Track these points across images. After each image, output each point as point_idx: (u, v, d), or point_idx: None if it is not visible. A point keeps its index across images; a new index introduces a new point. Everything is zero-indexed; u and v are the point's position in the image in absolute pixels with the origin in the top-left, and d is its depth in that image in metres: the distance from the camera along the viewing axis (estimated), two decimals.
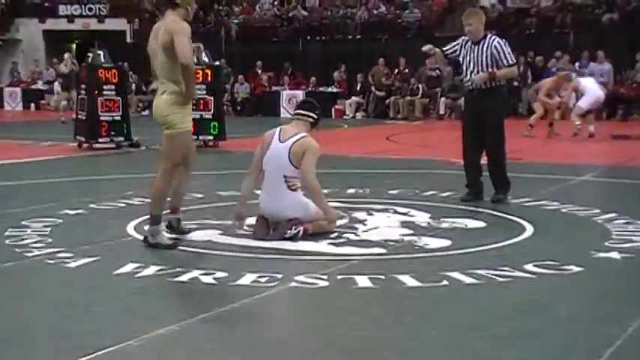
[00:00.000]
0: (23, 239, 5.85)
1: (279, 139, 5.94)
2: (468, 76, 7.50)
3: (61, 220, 6.61)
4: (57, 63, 22.75)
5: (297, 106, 6.35)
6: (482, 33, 7.48)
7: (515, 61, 7.55)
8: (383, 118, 20.98)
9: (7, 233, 6.04)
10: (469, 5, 24.60)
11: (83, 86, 13.32)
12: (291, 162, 5.85)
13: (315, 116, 6.11)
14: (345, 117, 21.67)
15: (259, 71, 23.73)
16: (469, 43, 7.49)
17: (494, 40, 7.43)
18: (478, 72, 7.38)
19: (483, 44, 7.40)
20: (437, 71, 21.34)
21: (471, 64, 7.43)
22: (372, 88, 21.91)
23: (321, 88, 23.12)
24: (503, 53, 7.34)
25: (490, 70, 7.32)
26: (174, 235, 5.83)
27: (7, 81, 28.90)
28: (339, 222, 6.18)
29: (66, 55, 20.47)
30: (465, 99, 8.00)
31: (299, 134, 5.94)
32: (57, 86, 25.42)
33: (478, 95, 7.43)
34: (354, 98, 22.13)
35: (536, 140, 13.76)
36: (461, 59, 7.58)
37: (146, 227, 5.77)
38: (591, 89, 14.46)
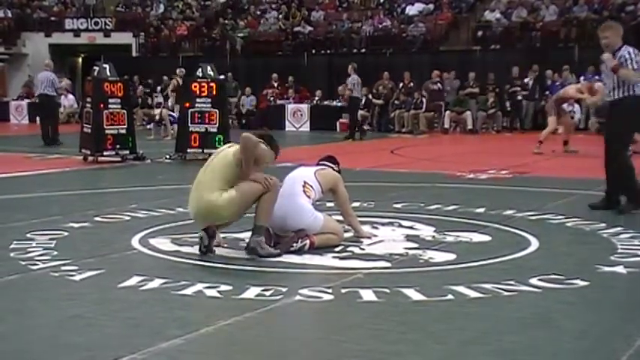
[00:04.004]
0: (28, 252, 5.85)
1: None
2: (609, 91, 7.60)
3: (66, 233, 6.62)
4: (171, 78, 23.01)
5: (322, 159, 6.63)
6: (618, 45, 7.55)
7: None
8: (388, 132, 21.01)
9: (12, 246, 6.05)
10: (474, 20, 24.78)
11: (89, 99, 13.37)
12: (316, 177, 6.14)
13: (337, 169, 6.51)
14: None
15: (275, 84, 23.80)
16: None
17: (627, 48, 7.52)
18: (613, 83, 7.47)
19: (618, 55, 7.48)
20: (438, 85, 21.39)
21: (607, 77, 7.56)
22: (369, 96, 21.89)
23: (326, 102, 23.18)
24: (631, 60, 7.41)
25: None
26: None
27: (16, 95, 28.97)
28: (366, 241, 6.22)
29: (183, 71, 21.12)
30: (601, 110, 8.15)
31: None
32: (63, 100, 25.56)
33: (609, 106, 7.59)
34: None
35: (543, 154, 13.74)
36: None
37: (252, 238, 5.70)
38: None
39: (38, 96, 17.72)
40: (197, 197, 5.71)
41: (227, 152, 5.78)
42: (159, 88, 24.11)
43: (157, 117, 19.85)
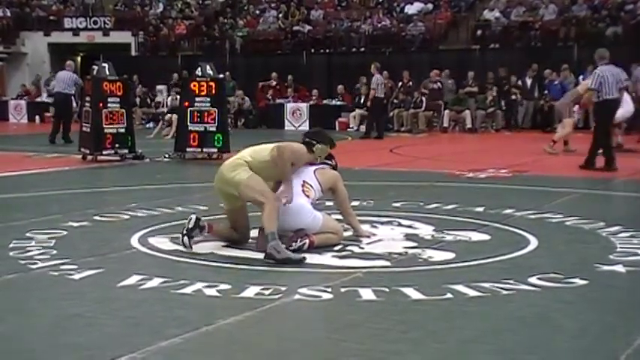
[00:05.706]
0: (28, 251, 5.85)
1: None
2: None
3: (66, 232, 6.62)
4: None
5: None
6: None
7: None
8: (387, 131, 21.01)
9: (11, 245, 6.05)
10: (473, 19, 24.78)
11: (88, 98, 13.36)
12: (316, 177, 6.12)
13: (332, 163, 6.50)
14: (349, 129, 21.71)
15: (274, 83, 23.79)
16: None
17: None
18: None
19: None
20: (438, 84, 21.39)
21: None
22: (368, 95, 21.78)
23: (325, 101, 23.16)
24: None
25: None
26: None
27: (15, 94, 28.92)
28: (366, 240, 6.21)
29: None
30: None
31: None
32: None
33: None
34: (358, 111, 22.15)
35: (541, 153, 13.74)
36: None
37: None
38: (625, 101, 14.14)
39: (55, 94, 17.94)
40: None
41: (269, 146, 5.95)
42: (158, 87, 24.06)
43: (168, 118, 19.59)
